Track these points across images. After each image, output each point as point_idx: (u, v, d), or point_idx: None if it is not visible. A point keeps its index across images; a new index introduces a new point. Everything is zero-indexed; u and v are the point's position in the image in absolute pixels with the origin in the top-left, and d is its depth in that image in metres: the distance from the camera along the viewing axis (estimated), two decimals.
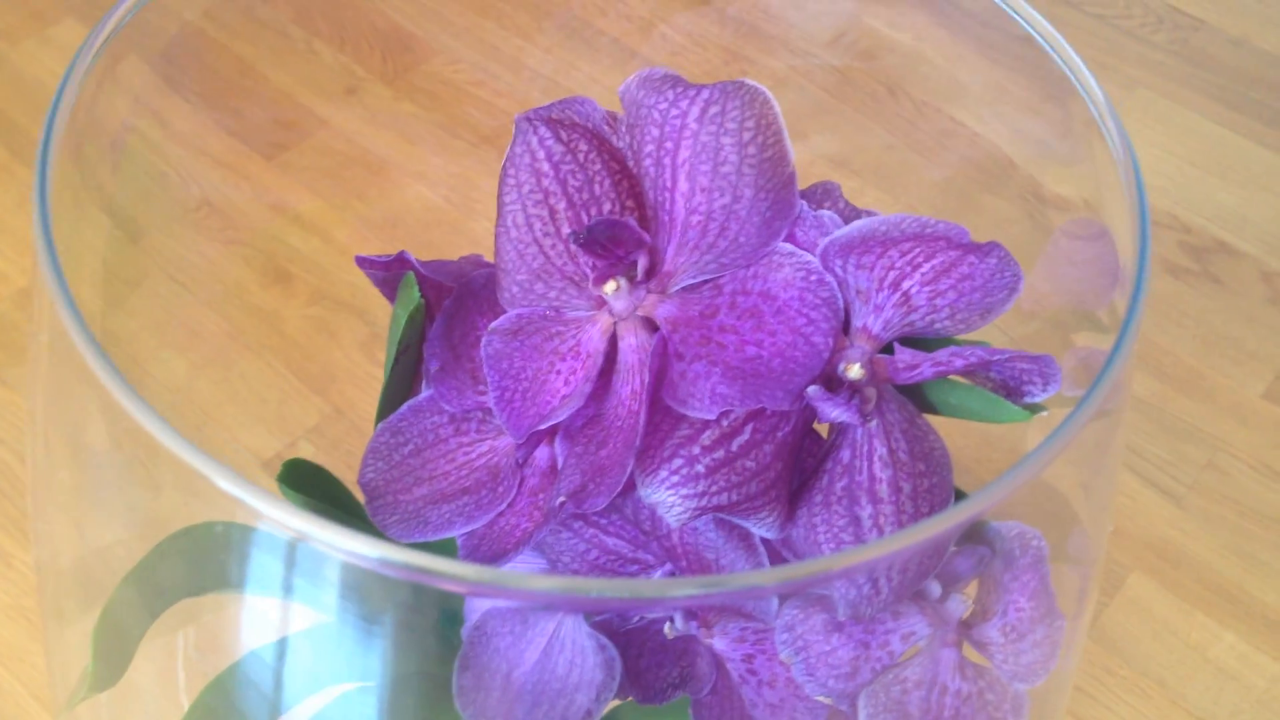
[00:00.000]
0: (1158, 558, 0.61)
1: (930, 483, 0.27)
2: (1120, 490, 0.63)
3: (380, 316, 0.66)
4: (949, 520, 0.21)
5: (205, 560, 0.24)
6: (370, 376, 0.65)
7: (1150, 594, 0.60)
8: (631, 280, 0.28)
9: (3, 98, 0.75)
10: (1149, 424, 0.66)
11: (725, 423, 0.27)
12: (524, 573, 0.28)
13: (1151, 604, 0.60)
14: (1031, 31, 0.29)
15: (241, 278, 0.68)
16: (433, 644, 0.26)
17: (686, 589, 0.22)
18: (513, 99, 0.71)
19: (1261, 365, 0.68)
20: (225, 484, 0.19)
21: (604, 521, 0.29)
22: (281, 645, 0.25)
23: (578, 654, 0.29)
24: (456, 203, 0.69)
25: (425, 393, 0.32)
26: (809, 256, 0.27)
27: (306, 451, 0.62)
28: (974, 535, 0.28)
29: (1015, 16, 0.29)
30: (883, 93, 0.63)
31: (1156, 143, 0.78)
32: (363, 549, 0.19)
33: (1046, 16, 0.83)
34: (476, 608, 0.30)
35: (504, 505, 0.30)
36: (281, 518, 0.19)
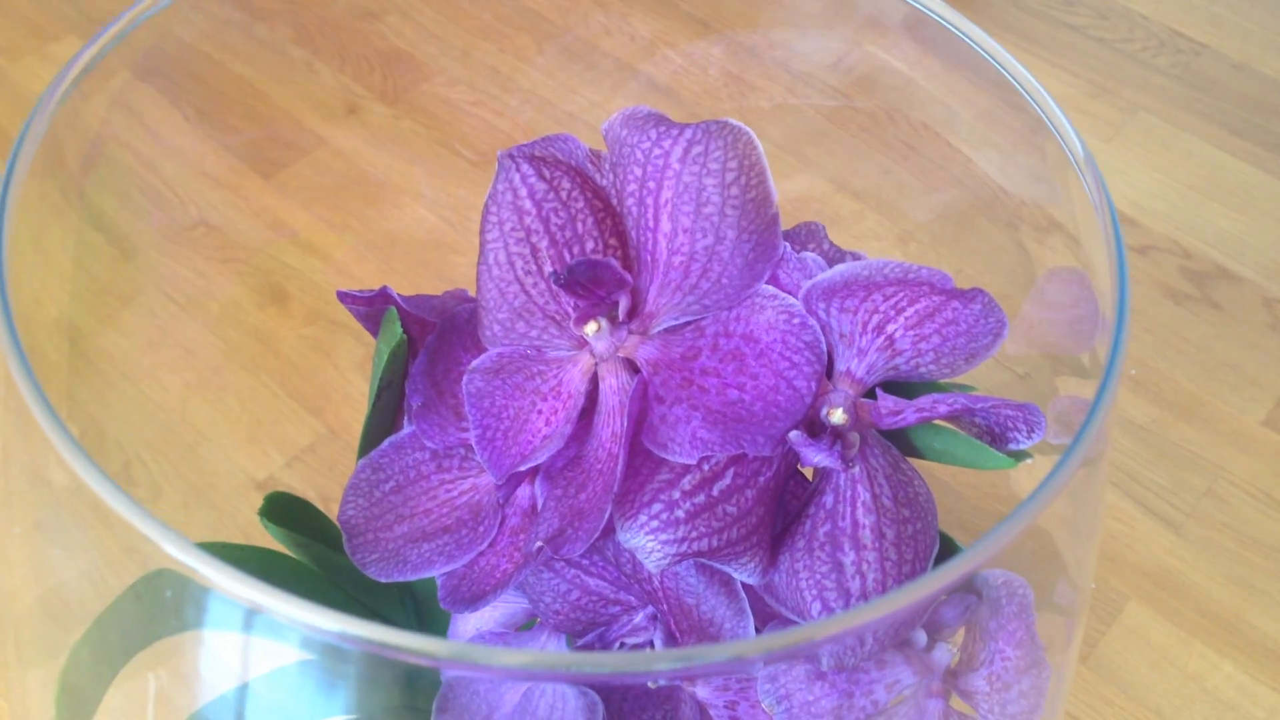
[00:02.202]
0: (1156, 586, 0.61)
1: (914, 528, 0.27)
2: (1119, 517, 0.63)
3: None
4: (938, 582, 0.21)
5: (164, 612, 0.24)
6: (366, 398, 0.65)
7: (1148, 622, 0.60)
8: (613, 320, 0.28)
9: (1, 114, 0.75)
10: (1148, 451, 0.66)
11: (706, 467, 0.26)
12: (494, 647, 0.28)
13: (1149, 633, 0.59)
14: (1011, 79, 0.29)
15: (237, 297, 0.67)
16: (398, 694, 0.26)
17: (664, 663, 0.21)
18: (512, 120, 0.71)
19: (1262, 392, 0.68)
20: (178, 553, 0.18)
21: (586, 562, 0.29)
22: (244, 690, 0.25)
23: (559, 699, 0.29)
24: (455, 223, 0.69)
25: (407, 429, 0.31)
26: (792, 299, 0.27)
27: (301, 472, 0.62)
28: (960, 583, 0.28)
29: (996, 65, 0.29)
30: (881, 118, 0.62)
31: (1158, 167, 0.77)
32: (318, 621, 0.18)
33: (1050, 41, 0.83)
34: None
35: (485, 545, 0.29)
36: (235, 589, 0.19)
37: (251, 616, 0.20)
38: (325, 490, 0.62)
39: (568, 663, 0.20)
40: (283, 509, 0.33)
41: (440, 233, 0.69)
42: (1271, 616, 0.60)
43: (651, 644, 0.29)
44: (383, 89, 0.73)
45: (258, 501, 0.56)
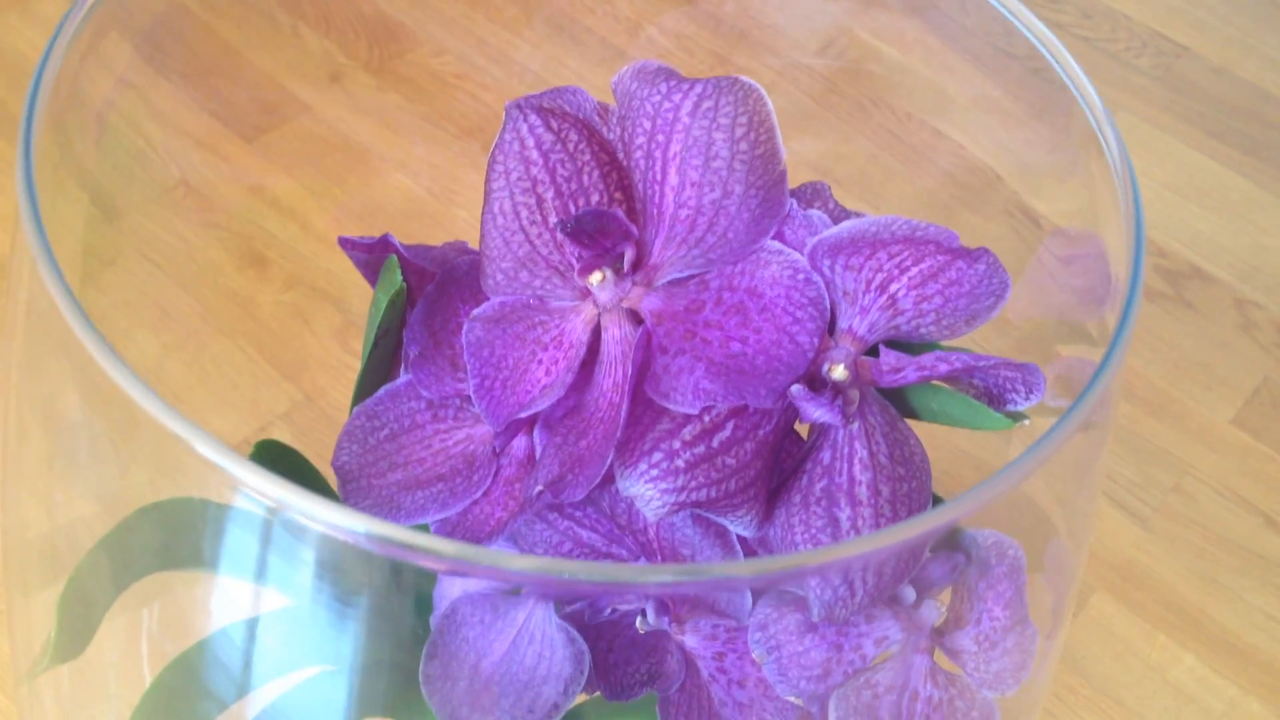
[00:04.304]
0: (1122, 578, 0.61)
1: (909, 487, 0.27)
2: None
3: (355, 305, 0.66)
4: (928, 523, 0.21)
5: (179, 532, 0.24)
6: (343, 364, 0.65)
7: (1113, 613, 0.60)
8: (617, 272, 0.28)
9: None
10: (1118, 445, 0.66)
11: (707, 418, 0.27)
12: (501, 551, 0.28)
13: (1114, 624, 0.60)
14: (1036, 43, 0.29)
15: (217, 260, 0.67)
16: (407, 630, 0.26)
17: (662, 575, 0.22)
18: (498, 92, 0.71)
19: (1231, 391, 0.69)
20: (206, 450, 0.18)
21: (579, 514, 0.29)
22: (251, 624, 0.25)
23: (547, 646, 0.29)
24: (437, 193, 0.69)
25: (403, 378, 0.31)
26: (797, 255, 0.27)
27: (276, 437, 0.62)
28: (949, 542, 0.28)
29: (1020, 27, 0.29)
30: (867, 102, 0.63)
31: (1136, 166, 0.78)
32: (342, 520, 0.18)
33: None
34: (445, 595, 0.30)
35: (479, 493, 0.29)
36: (262, 486, 0.19)
37: (271, 523, 0.20)
38: None
39: (565, 569, 0.20)
40: (272, 457, 0.33)
41: (422, 202, 0.68)
42: (1234, 611, 0.61)
43: (643, 611, 0.29)
44: (367, 57, 0.73)
45: None
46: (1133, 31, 0.85)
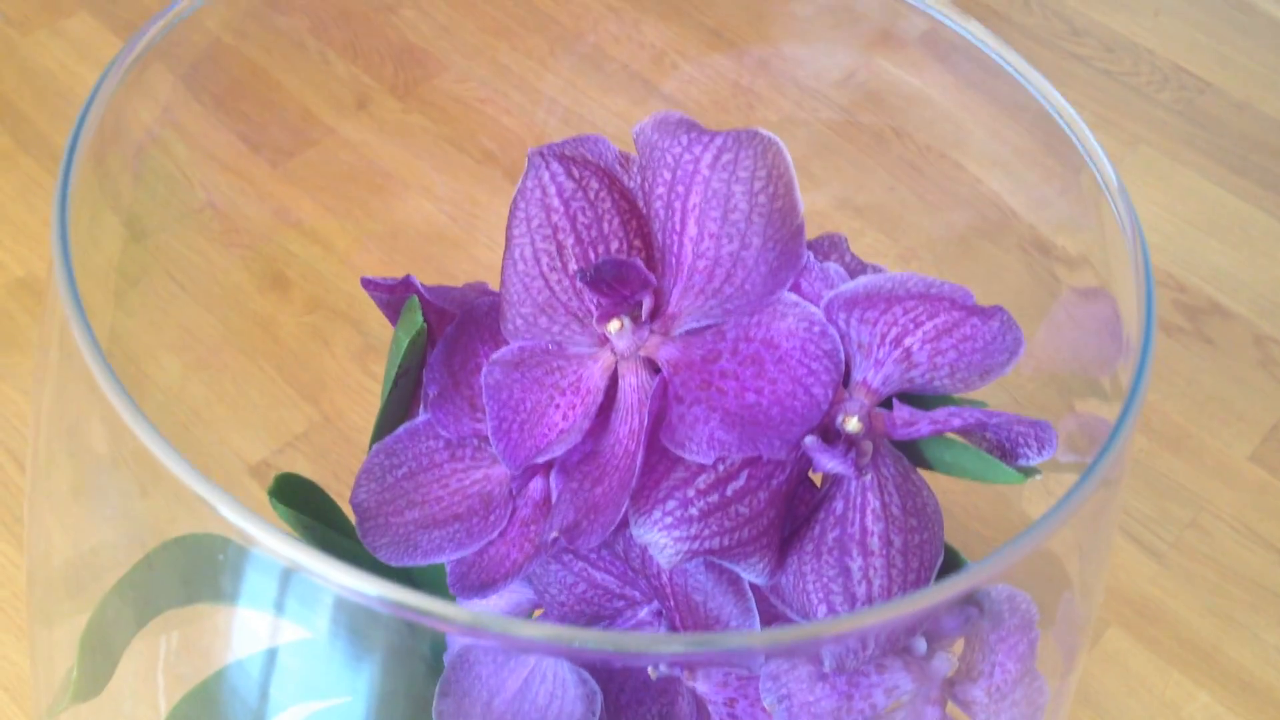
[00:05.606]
0: (1136, 613, 0.61)
1: (921, 538, 0.27)
2: None
3: (375, 328, 0.66)
4: (947, 591, 0.21)
5: (199, 571, 0.24)
6: (362, 387, 0.65)
7: (1127, 649, 0.60)
8: (635, 320, 0.28)
9: (10, 87, 0.75)
10: (1135, 480, 0.66)
11: (721, 467, 0.27)
12: (513, 618, 0.28)
13: (1128, 659, 0.60)
14: (1042, 101, 0.29)
15: (239, 281, 0.68)
16: (421, 669, 0.26)
17: (673, 646, 0.22)
18: (521, 120, 0.72)
19: (1249, 427, 0.69)
20: (227, 511, 0.19)
21: (593, 556, 0.29)
22: (265, 658, 0.25)
23: (559, 686, 0.29)
24: (459, 219, 0.69)
25: (422, 417, 0.32)
26: (813, 308, 0.27)
27: (294, 458, 0.62)
28: (971, 592, 0.28)
29: (1029, 88, 0.29)
30: (888, 135, 0.63)
31: (1156, 201, 0.78)
32: (355, 584, 0.19)
33: (1055, 69, 0.84)
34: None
35: (495, 534, 0.30)
36: (279, 548, 0.19)
37: (289, 575, 0.20)
38: (319, 478, 0.62)
39: (576, 638, 0.20)
40: (292, 490, 0.33)
41: (443, 227, 0.69)
42: (1249, 649, 0.61)
43: None
44: (393, 82, 0.74)
45: (250, 485, 0.57)
46: (1155, 66, 0.85)
